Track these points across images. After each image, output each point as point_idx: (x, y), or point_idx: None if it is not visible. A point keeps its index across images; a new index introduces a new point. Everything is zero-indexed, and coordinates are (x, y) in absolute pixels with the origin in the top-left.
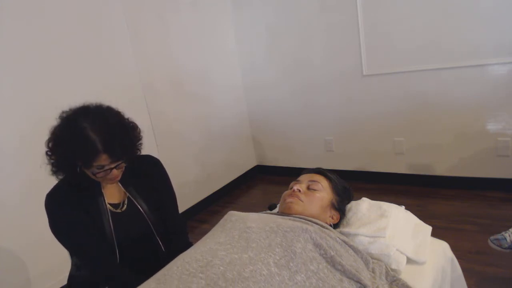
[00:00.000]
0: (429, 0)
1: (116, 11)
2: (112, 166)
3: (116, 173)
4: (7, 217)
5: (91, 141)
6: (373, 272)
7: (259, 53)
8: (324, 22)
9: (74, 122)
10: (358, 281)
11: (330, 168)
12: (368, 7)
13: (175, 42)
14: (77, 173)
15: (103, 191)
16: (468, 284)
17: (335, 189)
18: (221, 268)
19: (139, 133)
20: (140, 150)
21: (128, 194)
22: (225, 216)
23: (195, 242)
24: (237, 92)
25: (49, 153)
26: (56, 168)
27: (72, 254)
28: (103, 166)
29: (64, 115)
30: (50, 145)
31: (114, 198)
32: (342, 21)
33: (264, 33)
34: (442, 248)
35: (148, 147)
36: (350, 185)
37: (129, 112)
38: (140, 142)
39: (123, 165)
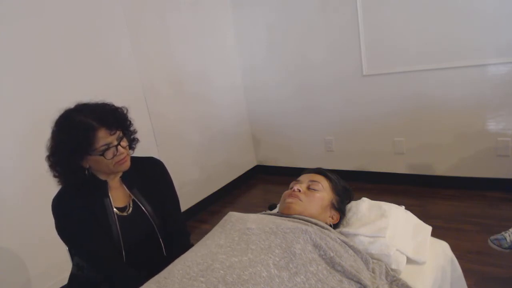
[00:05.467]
0: (429, 0)
1: (116, 11)
2: (115, 141)
3: (123, 150)
4: (8, 217)
5: (85, 123)
6: (373, 272)
7: (259, 53)
8: (324, 22)
9: (65, 119)
10: (358, 282)
11: (330, 168)
12: (368, 7)
13: (175, 42)
14: (85, 175)
15: (109, 194)
16: (468, 284)
17: (335, 189)
18: (221, 272)
19: (125, 109)
20: (132, 125)
21: (133, 196)
22: (225, 217)
23: (195, 243)
24: (237, 92)
25: (53, 164)
26: (64, 176)
27: (79, 256)
28: (107, 144)
29: (53, 124)
30: (51, 157)
31: (120, 202)
32: (342, 21)
33: (264, 33)
34: (442, 248)
35: (148, 148)
36: (350, 185)
37: (130, 113)
38: (129, 118)
39: (126, 140)
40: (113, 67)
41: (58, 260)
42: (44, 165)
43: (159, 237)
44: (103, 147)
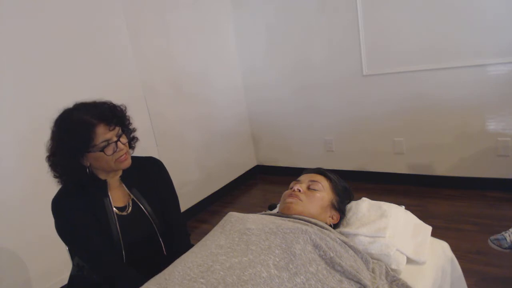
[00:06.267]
0: (428, 0)
1: (116, 11)
2: (114, 138)
3: (123, 146)
4: (8, 217)
5: (84, 120)
6: (373, 272)
7: (259, 54)
8: (324, 22)
9: (64, 118)
10: (358, 282)
11: (330, 168)
12: (368, 7)
13: (175, 42)
14: (86, 174)
15: (109, 194)
16: (468, 284)
17: (335, 189)
18: (221, 273)
19: (124, 107)
20: (131, 123)
21: (132, 196)
22: (225, 217)
23: (195, 243)
24: (237, 92)
25: (53, 164)
26: (64, 176)
27: (79, 257)
28: (107, 141)
29: (52, 124)
30: (51, 157)
31: (119, 201)
32: (342, 21)
33: (264, 33)
34: (442, 248)
35: (148, 148)
36: (350, 185)
37: (129, 113)
38: (128, 116)
39: (125, 137)
40: (113, 67)
41: (58, 260)
42: (44, 166)
43: (159, 236)
44: (103, 144)
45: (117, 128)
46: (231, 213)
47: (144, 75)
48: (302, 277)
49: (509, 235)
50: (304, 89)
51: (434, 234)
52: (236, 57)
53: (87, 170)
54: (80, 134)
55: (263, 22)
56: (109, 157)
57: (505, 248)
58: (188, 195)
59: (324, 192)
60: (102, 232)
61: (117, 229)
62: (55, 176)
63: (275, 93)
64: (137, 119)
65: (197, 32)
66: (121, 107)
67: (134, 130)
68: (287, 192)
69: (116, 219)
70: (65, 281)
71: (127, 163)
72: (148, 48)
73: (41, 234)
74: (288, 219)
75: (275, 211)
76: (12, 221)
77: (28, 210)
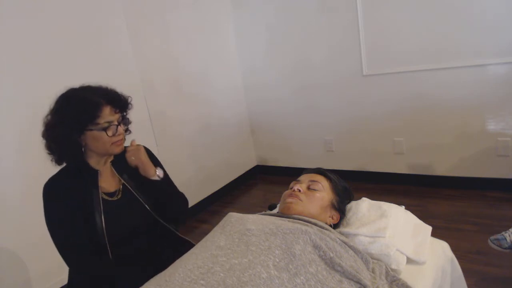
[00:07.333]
0: (428, 0)
1: (116, 12)
2: (116, 122)
3: (122, 131)
4: (7, 217)
5: (93, 98)
6: (373, 272)
7: (259, 54)
8: (324, 22)
9: (70, 95)
10: (358, 282)
11: (330, 168)
12: (368, 7)
13: (175, 42)
14: (81, 153)
15: (99, 181)
16: (468, 284)
17: (335, 189)
18: (221, 274)
19: (129, 97)
20: (129, 115)
21: (123, 181)
22: (225, 218)
23: (196, 243)
24: (237, 92)
25: (49, 138)
26: (59, 153)
27: (58, 243)
28: (110, 122)
29: (55, 100)
30: (49, 131)
31: (110, 187)
32: (342, 21)
33: (264, 33)
34: (442, 248)
35: (148, 147)
36: (350, 185)
37: (129, 112)
38: (131, 104)
39: (123, 126)
40: (113, 67)
41: (58, 260)
42: (44, 166)
43: (160, 221)
44: (106, 124)
45: (119, 114)
46: (231, 213)
47: (144, 75)
48: (302, 277)
49: (509, 235)
50: (304, 89)
51: (434, 234)
52: (236, 57)
53: (83, 148)
54: (87, 110)
55: (263, 22)
56: (108, 138)
57: (505, 248)
58: (188, 195)
59: (324, 192)
60: (87, 223)
61: (101, 216)
62: (49, 153)
63: (275, 93)
64: (137, 119)
65: (197, 32)
66: (126, 96)
67: (130, 122)
68: (287, 192)
69: (102, 206)
70: (65, 281)
71: (121, 148)
72: (148, 48)
73: (41, 234)
74: (288, 219)
75: (275, 211)
76: (12, 221)
77: (28, 210)
